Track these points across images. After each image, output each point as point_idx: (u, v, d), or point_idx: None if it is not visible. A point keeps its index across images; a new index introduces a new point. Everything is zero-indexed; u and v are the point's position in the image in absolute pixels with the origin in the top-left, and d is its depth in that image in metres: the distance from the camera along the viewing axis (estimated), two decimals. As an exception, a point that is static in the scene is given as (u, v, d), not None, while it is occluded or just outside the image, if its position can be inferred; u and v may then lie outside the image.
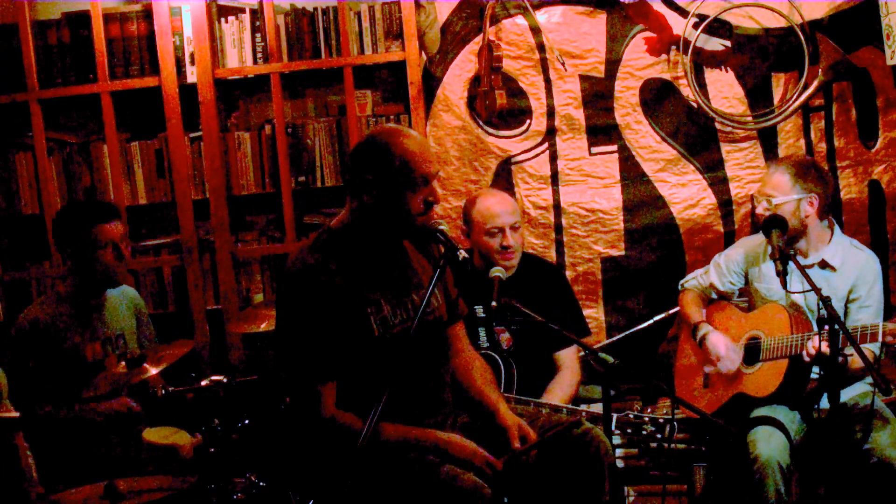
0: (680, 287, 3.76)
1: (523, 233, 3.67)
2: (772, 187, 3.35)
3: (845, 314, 3.33)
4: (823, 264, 3.36)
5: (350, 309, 2.59)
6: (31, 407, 3.11)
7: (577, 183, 4.17)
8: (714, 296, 3.65)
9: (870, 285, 3.35)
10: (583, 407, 3.82)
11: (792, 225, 3.31)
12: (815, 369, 3.26)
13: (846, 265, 3.36)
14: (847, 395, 3.32)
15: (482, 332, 3.52)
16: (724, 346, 3.43)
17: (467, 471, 2.52)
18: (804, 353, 3.16)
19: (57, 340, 3.24)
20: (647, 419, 2.94)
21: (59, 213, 3.50)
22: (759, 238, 3.56)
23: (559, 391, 3.45)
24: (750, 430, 3.19)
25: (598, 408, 3.13)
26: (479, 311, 3.52)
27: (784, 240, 3.23)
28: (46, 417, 3.15)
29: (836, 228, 3.43)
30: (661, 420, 2.93)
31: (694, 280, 3.71)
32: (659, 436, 2.93)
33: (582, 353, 3.61)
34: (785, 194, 3.31)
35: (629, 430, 2.96)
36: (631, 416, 2.96)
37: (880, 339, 3.08)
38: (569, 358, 3.55)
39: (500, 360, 3.44)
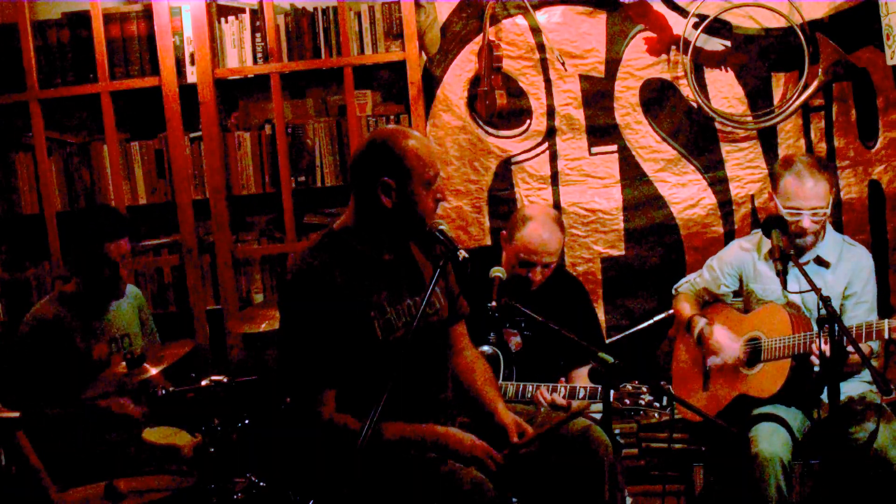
0: (673, 292, 3.76)
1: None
2: (819, 199, 3.27)
3: (841, 311, 3.34)
4: (819, 260, 3.37)
5: (353, 312, 2.58)
6: (37, 405, 3.11)
7: (577, 183, 4.17)
8: (708, 298, 3.65)
9: (864, 281, 3.37)
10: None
11: (821, 226, 3.31)
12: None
13: (841, 261, 3.37)
14: (847, 393, 3.32)
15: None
16: (724, 336, 3.42)
17: (468, 466, 2.52)
18: (811, 352, 3.15)
19: (64, 340, 3.24)
20: (644, 389, 2.96)
21: (70, 223, 3.46)
22: (753, 238, 3.56)
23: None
24: (752, 427, 3.19)
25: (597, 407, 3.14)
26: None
27: (784, 240, 3.23)
28: (57, 416, 3.14)
29: (828, 224, 3.43)
30: (660, 386, 2.96)
31: (687, 284, 3.70)
32: (657, 405, 2.97)
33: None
34: (828, 201, 3.30)
35: (627, 401, 2.98)
36: (629, 387, 2.98)
37: (887, 335, 3.08)
38: (580, 378, 3.46)
39: (501, 357, 3.41)
